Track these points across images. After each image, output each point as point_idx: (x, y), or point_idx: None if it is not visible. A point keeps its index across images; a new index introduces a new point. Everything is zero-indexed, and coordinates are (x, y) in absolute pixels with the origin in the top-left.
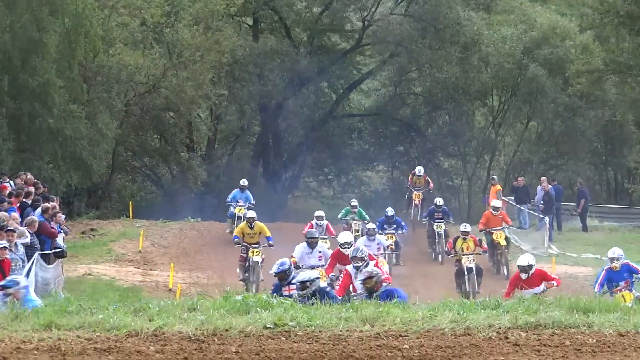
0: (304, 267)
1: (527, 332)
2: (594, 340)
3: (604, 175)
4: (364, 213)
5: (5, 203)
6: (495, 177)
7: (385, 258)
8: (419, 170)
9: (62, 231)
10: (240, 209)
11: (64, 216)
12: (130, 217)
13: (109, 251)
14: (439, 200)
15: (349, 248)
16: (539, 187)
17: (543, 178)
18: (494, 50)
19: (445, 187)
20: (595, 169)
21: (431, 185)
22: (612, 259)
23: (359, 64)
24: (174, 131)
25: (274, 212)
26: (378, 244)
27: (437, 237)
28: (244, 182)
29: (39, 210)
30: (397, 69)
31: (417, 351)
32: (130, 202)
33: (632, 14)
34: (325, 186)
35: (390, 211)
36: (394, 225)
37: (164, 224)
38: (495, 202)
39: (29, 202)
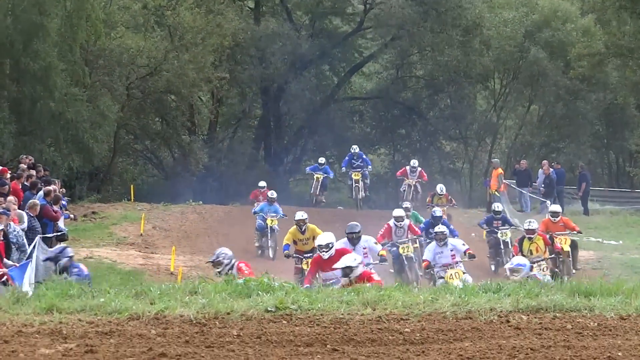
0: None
1: (528, 315)
2: (596, 324)
3: (605, 158)
4: (420, 216)
5: (6, 187)
6: (497, 160)
7: (460, 266)
8: (440, 189)
9: (69, 217)
10: (272, 220)
11: (64, 201)
12: (132, 200)
13: (111, 234)
14: (497, 206)
15: (327, 252)
16: (540, 171)
17: (544, 161)
18: (496, 33)
19: (446, 171)
20: (597, 152)
21: (453, 201)
22: None
23: (361, 47)
24: (175, 114)
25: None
26: (452, 249)
27: (502, 247)
28: (272, 194)
29: (40, 193)
30: (399, 52)
31: (418, 334)
32: (132, 186)
33: None
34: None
35: (438, 211)
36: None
37: (165, 207)
38: (554, 207)
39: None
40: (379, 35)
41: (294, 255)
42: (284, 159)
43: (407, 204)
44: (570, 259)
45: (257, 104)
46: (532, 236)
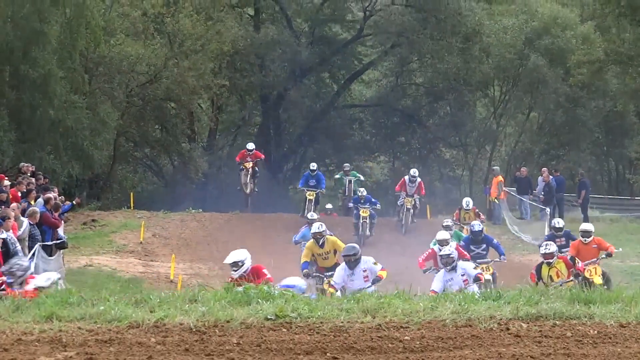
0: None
1: (528, 323)
2: (595, 332)
3: (605, 165)
4: (462, 234)
5: (4, 194)
6: (497, 167)
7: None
8: (467, 203)
9: (72, 205)
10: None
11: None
12: (132, 208)
13: (110, 242)
14: (559, 222)
15: (236, 270)
16: (539, 178)
17: (544, 169)
18: (495, 40)
19: (446, 178)
20: (597, 159)
21: (482, 216)
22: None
23: (360, 55)
24: (175, 122)
25: (275, 202)
26: (463, 274)
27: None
28: (314, 221)
29: (40, 200)
30: (399, 60)
31: (418, 342)
32: (132, 193)
33: (633, 4)
34: (326, 177)
35: (477, 225)
36: (483, 246)
37: (165, 215)
38: (586, 226)
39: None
40: (379, 42)
41: (314, 274)
42: (283, 166)
43: (448, 222)
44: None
45: (257, 111)
46: (550, 261)
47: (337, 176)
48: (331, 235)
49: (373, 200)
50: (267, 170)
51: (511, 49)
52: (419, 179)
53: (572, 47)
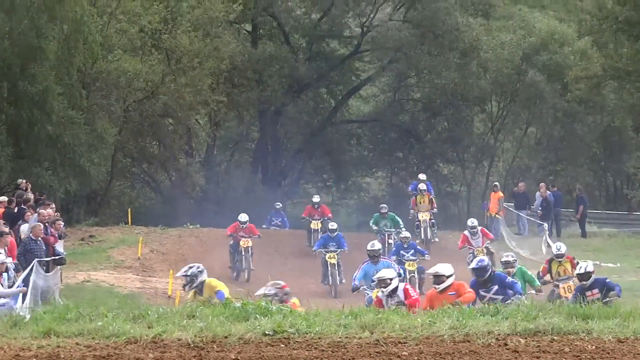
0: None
1: (526, 338)
2: (593, 347)
3: (602, 181)
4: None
5: None
6: (497, 183)
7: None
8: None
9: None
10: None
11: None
12: (129, 223)
13: (108, 258)
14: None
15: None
16: (537, 194)
17: (541, 184)
18: (493, 56)
19: (444, 194)
20: (594, 174)
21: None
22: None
23: (358, 70)
24: (172, 137)
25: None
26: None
27: None
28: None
29: (35, 216)
30: (396, 75)
31: (416, 358)
32: (129, 209)
33: (631, 20)
34: (324, 192)
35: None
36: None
37: (162, 231)
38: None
39: (25, 209)
40: (376, 58)
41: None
42: (281, 182)
43: (508, 257)
44: None
45: (255, 126)
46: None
47: (371, 222)
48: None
49: (419, 248)
50: (264, 186)
51: (509, 64)
52: (479, 227)
53: (570, 63)
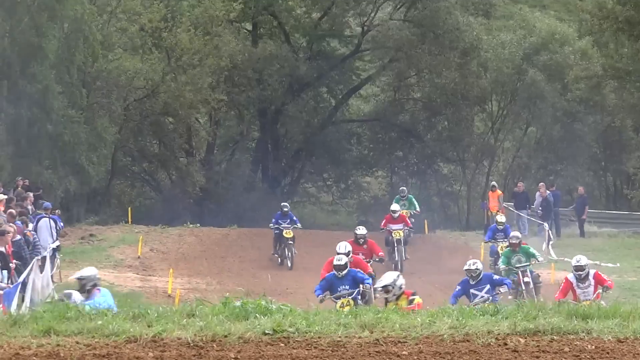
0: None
1: (526, 338)
2: (593, 347)
3: (602, 181)
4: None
5: None
6: (495, 183)
7: None
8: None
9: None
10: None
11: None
12: (129, 222)
13: (108, 257)
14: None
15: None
16: (537, 193)
17: (541, 184)
18: (493, 55)
19: (444, 193)
20: (594, 174)
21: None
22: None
23: (358, 70)
24: (173, 136)
25: (272, 217)
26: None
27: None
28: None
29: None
30: (396, 75)
31: (416, 357)
32: (129, 208)
33: (631, 20)
34: (324, 192)
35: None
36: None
37: (162, 230)
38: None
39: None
40: (377, 57)
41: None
42: (281, 181)
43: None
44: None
45: (255, 126)
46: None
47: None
48: None
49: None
50: (265, 185)
51: (509, 64)
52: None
53: (570, 63)
